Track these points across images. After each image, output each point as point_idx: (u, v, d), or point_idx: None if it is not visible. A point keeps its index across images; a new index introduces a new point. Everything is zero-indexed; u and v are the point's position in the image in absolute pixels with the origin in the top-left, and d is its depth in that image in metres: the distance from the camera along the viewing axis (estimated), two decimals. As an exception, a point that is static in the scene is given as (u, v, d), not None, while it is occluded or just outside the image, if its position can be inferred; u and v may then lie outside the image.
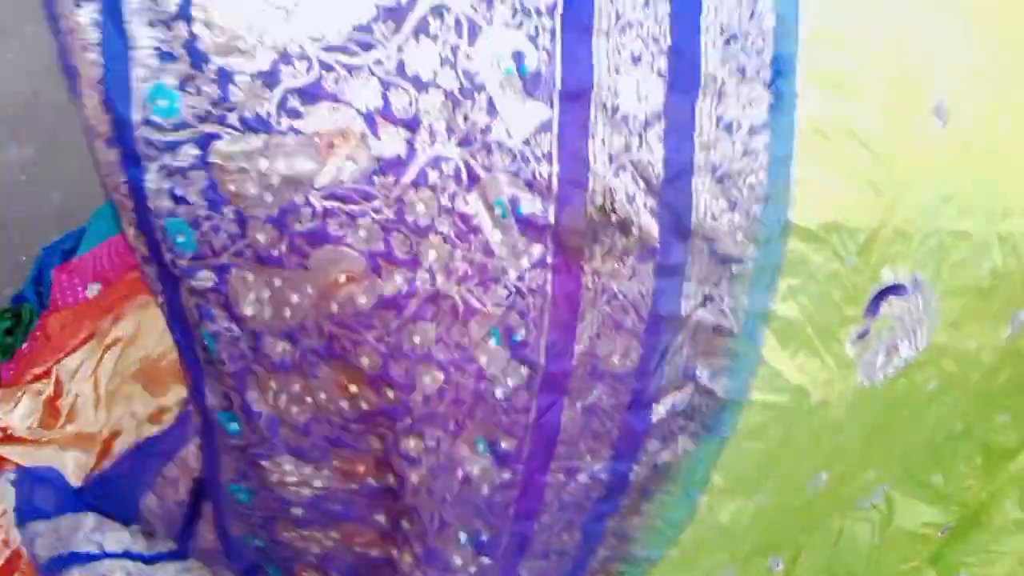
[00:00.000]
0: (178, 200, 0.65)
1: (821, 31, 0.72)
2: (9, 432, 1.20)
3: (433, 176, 0.67)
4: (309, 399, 0.75)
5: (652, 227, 0.71)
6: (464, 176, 0.68)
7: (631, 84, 0.69)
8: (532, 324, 0.73)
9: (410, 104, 0.66)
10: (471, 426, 0.76)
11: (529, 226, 0.70)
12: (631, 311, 0.73)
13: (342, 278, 0.69)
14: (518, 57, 0.68)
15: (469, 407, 0.75)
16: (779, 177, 0.72)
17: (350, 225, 0.67)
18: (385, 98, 0.65)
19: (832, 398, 0.82)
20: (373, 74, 0.64)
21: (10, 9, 1.71)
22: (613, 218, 0.70)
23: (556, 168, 0.69)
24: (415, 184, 0.67)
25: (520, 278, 0.71)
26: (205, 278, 0.69)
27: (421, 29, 0.65)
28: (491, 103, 0.67)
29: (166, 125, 0.63)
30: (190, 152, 0.64)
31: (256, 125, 0.63)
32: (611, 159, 0.69)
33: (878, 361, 0.83)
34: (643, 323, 0.73)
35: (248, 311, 0.70)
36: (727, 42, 0.70)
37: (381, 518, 0.83)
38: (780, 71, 0.71)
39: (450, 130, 0.67)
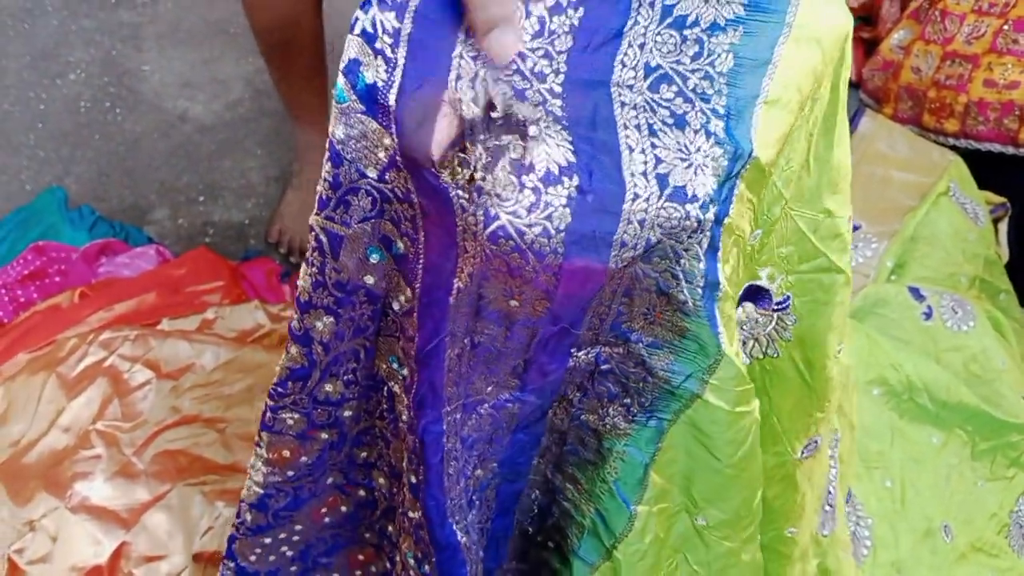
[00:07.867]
0: None
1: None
2: None
3: None
4: None
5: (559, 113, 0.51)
6: None
7: None
8: (408, 237, 0.56)
9: None
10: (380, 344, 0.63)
11: (374, 104, 0.50)
12: (529, 255, 0.51)
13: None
14: None
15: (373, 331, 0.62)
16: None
17: None
18: None
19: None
20: None
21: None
22: (494, 114, 0.49)
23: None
24: None
25: (381, 179, 0.53)
26: None
27: None
28: None
29: None
30: None
31: None
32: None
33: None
34: (549, 274, 0.52)
35: None
36: None
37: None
38: None
39: None
